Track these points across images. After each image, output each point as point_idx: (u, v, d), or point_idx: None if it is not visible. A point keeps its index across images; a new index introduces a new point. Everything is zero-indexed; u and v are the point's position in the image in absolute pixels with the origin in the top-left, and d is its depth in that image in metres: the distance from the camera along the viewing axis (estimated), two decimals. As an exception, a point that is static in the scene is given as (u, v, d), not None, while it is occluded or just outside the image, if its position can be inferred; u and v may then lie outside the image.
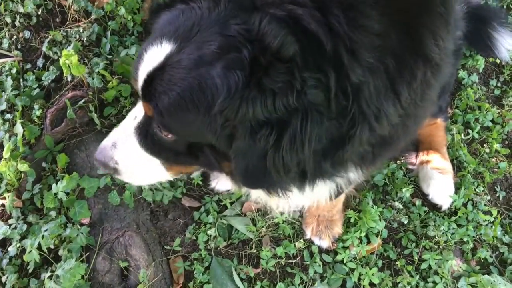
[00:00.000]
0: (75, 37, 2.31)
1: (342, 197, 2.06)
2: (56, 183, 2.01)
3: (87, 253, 1.97)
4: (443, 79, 1.35)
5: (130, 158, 1.37)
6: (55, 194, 1.99)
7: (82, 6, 2.35)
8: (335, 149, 1.14)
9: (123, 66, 2.26)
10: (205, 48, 1.07)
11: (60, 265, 1.85)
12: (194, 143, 1.25)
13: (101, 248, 1.98)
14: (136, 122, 1.33)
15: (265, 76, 1.02)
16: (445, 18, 1.20)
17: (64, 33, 2.33)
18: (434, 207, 2.24)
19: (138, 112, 1.33)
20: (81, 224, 2.02)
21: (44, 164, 2.09)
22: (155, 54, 1.13)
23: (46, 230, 1.90)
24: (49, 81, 2.24)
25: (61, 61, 2.06)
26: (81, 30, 2.32)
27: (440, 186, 2.21)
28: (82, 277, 1.87)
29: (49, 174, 2.10)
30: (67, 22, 2.38)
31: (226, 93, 1.04)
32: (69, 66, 2.08)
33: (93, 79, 2.18)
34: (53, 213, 1.99)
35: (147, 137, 1.31)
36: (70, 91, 2.20)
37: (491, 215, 2.21)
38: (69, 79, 2.21)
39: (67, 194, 2.02)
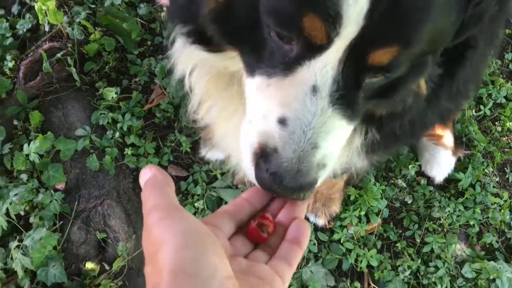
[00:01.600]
0: (55, -18, 2.07)
1: (345, 175, 1.89)
2: (29, 144, 1.81)
3: (61, 222, 1.78)
4: None
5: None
6: (27, 155, 1.80)
7: None
8: None
9: (107, 17, 2.03)
10: None
11: (29, 234, 1.67)
12: None
13: (77, 217, 1.80)
14: None
15: None
16: None
17: (43, -23, 2.09)
18: (439, 187, 2.08)
19: None
20: (55, 190, 1.83)
21: (15, 122, 1.88)
22: None
23: (16, 194, 1.71)
24: (24, 30, 2.03)
25: (36, 7, 1.84)
26: (62, -25, 2.09)
27: (435, 158, 2.05)
28: (54, 247, 1.70)
29: (21, 133, 1.89)
30: (47, -35, 2.13)
31: None
32: (46, 13, 1.85)
33: (73, 29, 1.96)
34: (24, 176, 1.80)
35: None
36: (47, 42, 1.99)
37: (501, 198, 2.06)
38: (46, 28, 1.99)
39: (41, 156, 1.82)
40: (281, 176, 0.78)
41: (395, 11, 0.71)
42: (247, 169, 0.86)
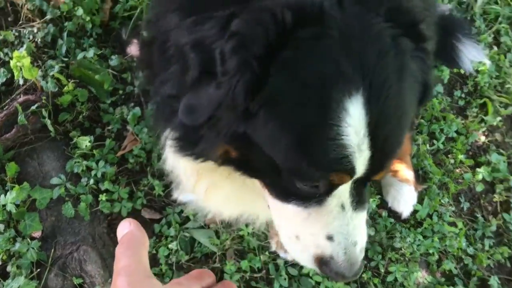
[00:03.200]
0: (29, 38, 2.18)
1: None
2: (5, 194, 1.87)
3: (38, 270, 1.83)
4: None
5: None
6: (4, 205, 1.85)
7: (36, 5, 2.21)
8: None
9: (80, 70, 2.13)
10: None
11: (7, 283, 1.72)
12: None
13: (54, 264, 1.85)
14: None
15: None
16: None
17: (17, 33, 2.19)
18: (397, 216, 2.22)
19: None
20: (32, 238, 1.88)
21: (-9, 173, 1.94)
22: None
23: (-7, 245, 1.76)
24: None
25: (12, 63, 1.93)
26: (35, 31, 2.19)
27: (400, 194, 2.19)
28: (32, 296, 1.74)
29: (-3, 184, 1.95)
30: (20, 22, 2.23)
31: None
32: (20, 69, 1.94)
33: (47, 82, 2.05)
34: (1, 226, 1.85)
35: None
36: (21, 95, 2.07)
37: (456, 226, 2.20)
38: (21, 82, 2.07)
39: (17, 205, 1.88)
40: (343, 273, 1.10)
41: (384, 153, 0.98)
42: (305, 262, 1.17)
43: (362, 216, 1.10)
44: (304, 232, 1.12)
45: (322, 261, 1.11)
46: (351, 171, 0.96)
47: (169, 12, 1.12)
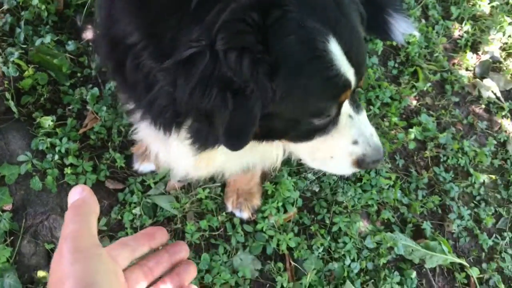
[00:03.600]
0: (-13, 28, 2.31)
1: (258, 171, 2.22)
2: (-25, 172, 2.01)
3: (11, 238, 1.99)
4: None
5: None
6: (-26, 182, 2.00)
7: (-7, -4, 2.35)
8: None
9: (39, 55, 2.28)
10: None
11: (-17, 251, 1.87)
12: None
13: (26, 232, 2.01)
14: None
15: None
16: None
17: (-25, 24, 2.32)
18: (341, 176, 2.46)
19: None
20: (3, 211, 2.03)
21: (-40, 154, 2.08)
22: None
23: (-33, 217, 1.91)
24: (-39, 72, 2.22)
25: (-27, 50, 2.06)
26: (-7, 21, 2.32)
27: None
28: (7, 260, 1.90)
29: (-34, 163, 2.09)
30: (-22, 13, 2.36)
31: None
32: (-18, 55, 2.08)
33: (8, 68, 2.19)
34: (-27, 202, 2.00)
35: None
36: (-16, 81, 2.20)
37: (391, 179, 2.46)
38: (-17, 69, 2.21)
39: (-13, 182, 2.03)
40: (377, 159, 1.38)
41: (359, 65, 1.23)
42: (346, 171, 1.44)
43: (364, 114, 1.39)
44: (335, 150, 1.38)
45: (358, 162, 1.38)
46: (349, 84, 1.22)
47: (125, 26, 1.24)
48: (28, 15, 2.36)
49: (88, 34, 2.45)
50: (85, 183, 2.17)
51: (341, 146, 1.37)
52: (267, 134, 1.33)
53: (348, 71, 1.19)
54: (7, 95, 2.16)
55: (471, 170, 2.66)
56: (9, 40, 2.33)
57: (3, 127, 2.17)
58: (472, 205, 2.61)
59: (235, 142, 1.20)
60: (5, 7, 2.36)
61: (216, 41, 1.07)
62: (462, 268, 2.44)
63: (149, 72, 1.20)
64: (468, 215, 2.54)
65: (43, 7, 2.37)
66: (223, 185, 2.32)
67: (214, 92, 1.10)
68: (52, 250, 2.01)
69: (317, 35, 1.14)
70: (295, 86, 1.17)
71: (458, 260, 2.40)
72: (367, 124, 1.40)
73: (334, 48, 1.16)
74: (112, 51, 1.33)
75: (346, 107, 1.32)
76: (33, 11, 2.38)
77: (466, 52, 3.01)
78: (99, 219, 2.08)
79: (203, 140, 1.27)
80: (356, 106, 1.35)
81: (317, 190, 2.40)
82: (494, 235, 2.56)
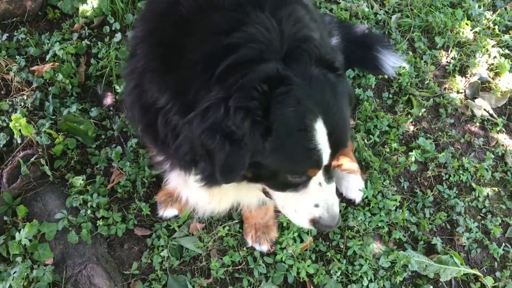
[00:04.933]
0: (21, 105, 2.62)
1: (271, 205, 2.41)
2: (19, 232, 2.25)
3: (54, 288, 2.21)
4: None
5: None
6: (19, 241, 2.23)
7: (23, 77, 2.69)
8: None
9: (66, 123, 2.57)
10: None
11: (30, 303, 2.07)
12: None
13: (67, 282, 2.22)
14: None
15: None
16: None
17: (10, 103, 2.63)
18: (350, 202, 2.64)
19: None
20: (46, 265, 2.25)
21: (5, 218, 2.33)
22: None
23: (15, 272, 2.13)
24: (1, 145, 2.51)
25: (11, 124, 2.36)
26: (25, 98, 2.64)
27: (350, 184, 2.63)
28: (52, 309, 2.10)
29: (11, 226, 2.33)
30: (12, 93, 2.69)
31: None
32: (19, 129, 2.37)
33: (41, 137, 2.47)
34: (19, 259, 2.22)
35: None
36: (21, 151, 2.48)
37: (396, 201, 2.62)
38: (19, 141, 2.50)
39: (30, 240, 2.26)
40: (330, 225, 1.68)
41: (337, 148, 1.51)
42: (304, 225, 1.72)
43: (333, 186, 1.65)
44: (299, 206, 1.67)
45: (314, 221, 1.67)
46: (319, 165, 1.50)
47: (154, 93, 1.54)
48: (55, 90, 2.68)
49: (108, 100, 2.75)
50: (116, 233, 2.39)
51: (304, 205, 1.65)
52: (253, 177, 1.58)
53: (324, 150, 1.45)
54: (42, 161, 2.43)
55: (474, 185, 2.81)
56: (40, 113, 2.64)
57: (40, 190, 2.43)
58: (479, 217, 2.75)
59: (227, 177, 1.48)
60: (34, 85, 2.69)
61: (231, 98, 1.36)
62: (476, 278, 2.55)
63: (175, 125, 1.48)
64: (476, 227, 2.67)
65: (67, 81, 2.69)
66: (241, 222, 2.51)
67: (218, 137, 1.37)
68: (92, 296, 2.21)
69: (309, 113, 1.40)
70: (281, 147, 1.44)
71: (471, 271, 2.51)
72: (332, 194, 1.67)
73: (319, 127, 1.41)
74: (144, 115, 1.64)
75: (319, 176, 1.58)
76: (59, 85, 2.70)
77: (455, 77, 3.23)
78: (130, 265, 2.30)
79: (208, 178, 1.52)
80: (328, 177, 1.61)
81: (328, 218, 2.56)
82: (504, 244, 2.68)
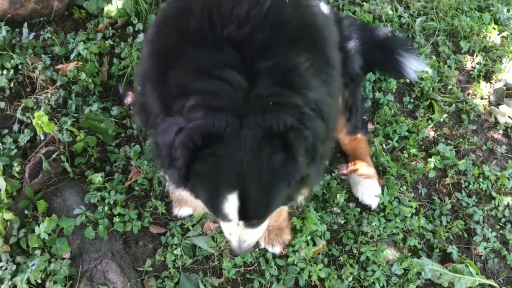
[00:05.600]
0: (45, 102, 2.70)
1: (285, 208, 2.42)
2: (39, 226, 2.33)
3: (71, 282, 2.27)
4: None
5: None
6: (39, 235, 2.31)
7: (48, 75, 2.77)
8: None
9: (88, 121, 2.64)
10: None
11: (47, 295, 2.15)
12: None
13: (82, 276, 2.28)
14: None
15: None
16: None
17: (35, 100, 2.72)
18: (366, 208, 2.62)
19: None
20: (63, 258, 2.32)
21: (26, 212, 2.41)
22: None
23: (33, 265, 2.21)
24: (25, 141, 2.60)
25: (34, 122, 2.44)
26: (49, 96, 2.72)
27: (367, 189, 2.61)
28: (67, 302, 2.17)
29: (31, 219, 2.41)
30: (37, 90, 2.77)
31: None
32: (41, 126, 2.45)
33: (63, 135, 2.55)
34: (38, 252, 2.29)
35: None
36: (43, 148, 2.56)
37: (412, 207, 2.59)
38: (42, 137, 2.58)
39: (49, 234, 2.33)
40: (236, 252, 1.89)
41: (250, 216, 1.62)
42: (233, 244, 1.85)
43: (251, 230, 1.74)
44: (225, 231, 1.87)
45: (232, 243, 1.84)
46: (228, 216, 1.59)
47: (151, 100, 1.73)
48: (78, 88, 2.75)
49: (129, 99, 2.80)
50: (131, 230, 2.45)
51: (225, 230, 1.85)
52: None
53: (233, 217, 1.57)
54: (63, 158, 2.50)
55: (494, 194, 2.75)
56: (63, 111, 2.72)
57: (60, 186, 2.51)
58: (498, 227, 2.69)
59: (175, 183, 1.68)
60: (58, 83, 2.77)
61: (182, 131, 1.47)
62: (492, 289, 2.50)
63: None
64: (494, 237, 2.62)
65: (90, 80, 2.76)
66: (254, 224, 2.53)
67: (169, 158, 1.54)
68: (106, 290, 2.27)
69: (224, 183, 1.49)
70: (197, 194, 1.65)
71: (487, 281, 2.47)
72: (248, 234, 1.77)
73: (232, 199, 1.49)
74: (147, 120, 1.79)
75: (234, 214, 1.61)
76: (82, 84, 2.77)
77: (479, 82, 3.16)
78: (144, 262, 2.35)
79: (174, 182, 1.69)
80: (247, 225, 1.68)
81: (342, 222, 2.56)
82: (522, 256, 2.62)
